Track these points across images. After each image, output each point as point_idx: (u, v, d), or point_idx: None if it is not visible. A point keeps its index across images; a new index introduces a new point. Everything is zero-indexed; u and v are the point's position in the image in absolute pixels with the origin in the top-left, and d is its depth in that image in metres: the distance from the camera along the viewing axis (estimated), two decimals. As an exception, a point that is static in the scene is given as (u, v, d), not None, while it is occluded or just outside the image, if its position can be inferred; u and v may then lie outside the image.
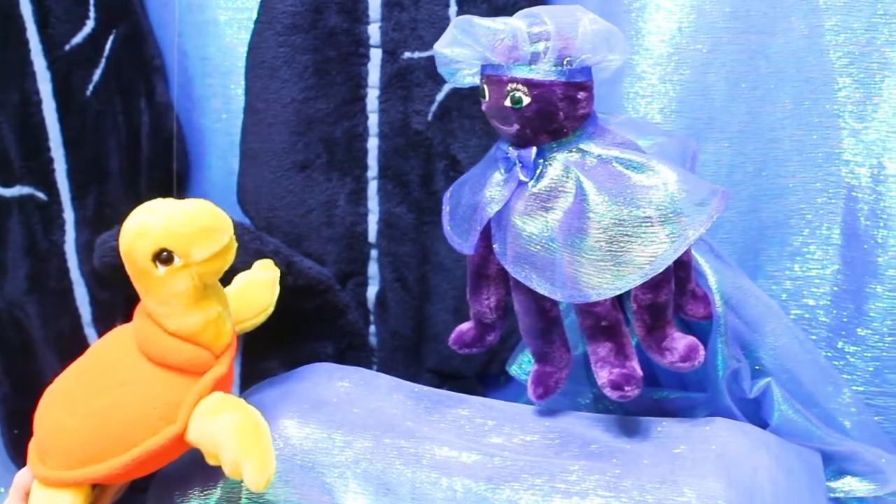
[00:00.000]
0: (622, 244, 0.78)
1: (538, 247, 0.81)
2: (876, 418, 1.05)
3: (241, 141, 1.25)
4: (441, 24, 1.14)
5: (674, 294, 0.84)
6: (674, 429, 0.86)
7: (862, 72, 1.05)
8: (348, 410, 0.91)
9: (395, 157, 1.21)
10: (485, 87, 0.81)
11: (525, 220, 0.82)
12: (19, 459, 1.28)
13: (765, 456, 0.83)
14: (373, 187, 1.22)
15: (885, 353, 1.06)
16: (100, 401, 0.80)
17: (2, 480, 1.30)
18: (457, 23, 0.81)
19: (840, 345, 1.09)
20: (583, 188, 0.79)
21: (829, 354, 1.09)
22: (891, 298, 1.05)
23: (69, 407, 0.81)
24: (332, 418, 0.89)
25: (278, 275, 0.96)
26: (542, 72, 0.78)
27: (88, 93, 1.27)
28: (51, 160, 1.26)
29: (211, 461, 0.79)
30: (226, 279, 0.85)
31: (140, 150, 1.33)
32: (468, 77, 0.84)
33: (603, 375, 0.83)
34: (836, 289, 1.09)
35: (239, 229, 1.12)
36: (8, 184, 1.25)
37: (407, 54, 1.17)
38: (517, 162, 0.83)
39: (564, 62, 0.79)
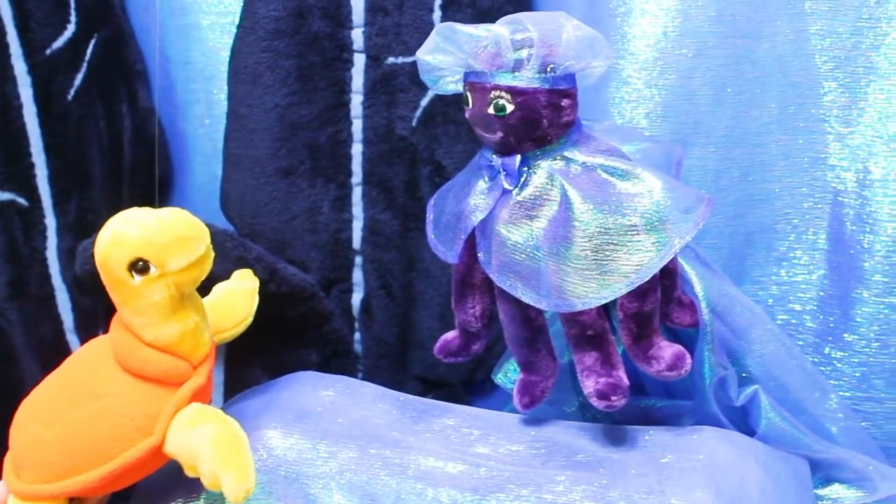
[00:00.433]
0: (607, 253, 0.77)
1: (523, 255, 0.80)
2: (863, 424, 1.04)
3: (224, 146, 1.24)
4: (425, 30, 1.13)
5: (660, 302, 0.84)
6: (661, 438, 0.86)
7: (847, 76, 1.05)
8: (333, 420, 0.90)
9: (380, 163, 1.20)
10: (468, 94, 0.81)
11: (510, 228, 0.81)
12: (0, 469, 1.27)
13: (753, 465, 0.83)
14: (357, 193, 1.21)
15: (871, 359, 1.06)
16: (76, 413, 0.79)
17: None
18: (439, 30, 0.80)
19: (827, 350, 1.09)
20: (567, 196, 0.79)
21: (815, 360, 1.08)
22: (877, 303, 1.05)
23: (45, 419, 0.80)
24: (316, 428, 0.88)
25: (257, 285, 0.95)
26: (526, 79, 0.78)
27: (70, 98, 1.26)
28: (32, 165, 1.25)
29: (189, 473, 0.78)
30: (206, 287, 0.84)
31: (122, 155, 1.32)
32: (451, 84, 0.84)
33: (589, 385, 0.83)
34: (822, 294, 1.09)
35: (221, 236, 1.12)
36: (-11, 189, 1.24)
37: (391, 59, 1.17)
38: (501, 170, 0.82)
39: (548, 69, 0.78)
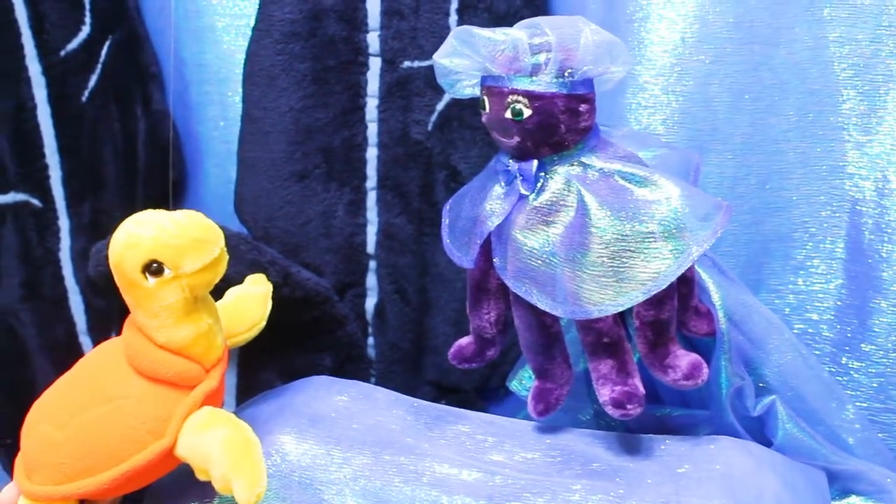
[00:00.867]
0: (624, 260, 0.76)
1: (539, 261, 0.80)
2: (880, 435, 1.03)
3: (238, 149, 1.23)
4: (441, 33, 1.13)
5: (677, 310, 0.83)
6: (677, 447, 0.85)
7: (867, 84, 1.04)
8: (347, 426, 0.89)
9: (395, 167, 1.19)
10: (485, 98, 0.80)
11: (526, 234, 0.81)
12: (12, 469, 1.27)
13: (771, 476, 0.82)
14: (372, 198, 1.21)
15: (889, 369, 1.05)
16: (88, 414, 0.78)
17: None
18: (457, 33, 0.80)
19: (844, 360, 1.07)
20: (584, 202, 0.78)
21: (832, 370, 1.07)
22: (895, 313, 1.04)
23: (57, 421, 0.79)
24: (330, 434, 0.87)
25: (271, 290, 0.95)
26: (544, 83, 0.77)
27: (84, 99, 1.26)
28: (46, 167, 1.25)
29: (201, 477, 0.78)
30: (220, 290, 0.83)
31: (136, 157, 1.32)
32: (468, 88, 0.83)
33: (605, 393, 0.82)
34: (839, 303, 1.08)
35: (235, 239, 1.12)
36: (2, 190, 1.23)
37: (406, 63, 1.16)
38: (518, 175, 0.81)
39: (566, 74, 0.77)
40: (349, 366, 1.23)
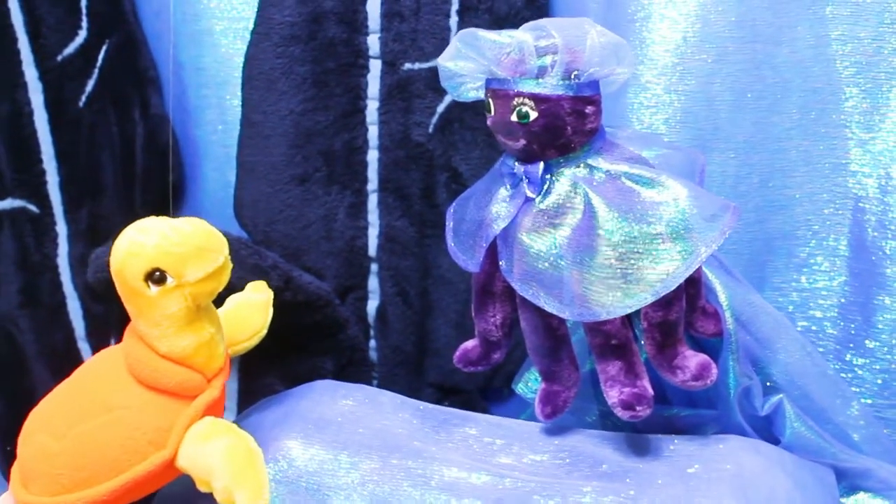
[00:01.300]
0: (632, 262, 0.76)
1: (546, 264, 0.79)
2: (885, 431, 1.03)
3: (237, 153, 1.23)
4: (442, 35, 1.13)
5: (684, 311, 0.83)
6: (686, 447, 0.85)
7: (869, 82, 1.04)
8: (353, 430, 0.89)
9: (396, 169, 1.19)
10: (490, 101, 0.80)
11: (532, 236, 0.80)
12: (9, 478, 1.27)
13: (781, 475, 0.82)
14: (373, 200, 1.21)
15: (893, 366, 1.05)
16: (87, 424, 0.78)
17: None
18: (461, 36, 0.79)
19: (848, 357, 1.07)
20: (591, 204, 0.78)
21: (837, 367, 1.07)
22: (899, 310, 1.04)
23: (54, 430, 0.79)
24: (336, 438, 0.87)
25: (272, 297, 0.94)
26: (550, 86, 0.77)
27: (81, 104, 1.25)
28: (43, 172, 1.24)
29: (202, 488, 0.77)
30: (221, 295, 0.83)
31: (134, 162, 1.31)
32: (472, 91, 0.83)
33: (613, 395, 0.82)
34: (843, 301, 1.08)
35: (236, 244, 1.11)
36: (-1, 196, 1.23)
37: (407, 65, 1.16)
38: (524, 177, 0.81)
39: (572, 76, 0.77)
40: (351, 369, 1.22)
